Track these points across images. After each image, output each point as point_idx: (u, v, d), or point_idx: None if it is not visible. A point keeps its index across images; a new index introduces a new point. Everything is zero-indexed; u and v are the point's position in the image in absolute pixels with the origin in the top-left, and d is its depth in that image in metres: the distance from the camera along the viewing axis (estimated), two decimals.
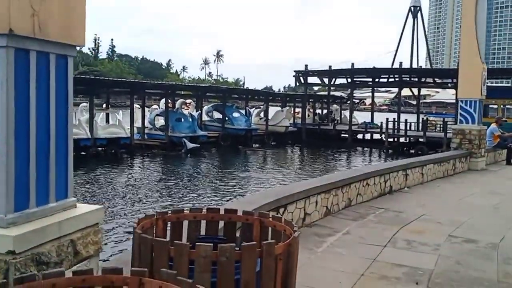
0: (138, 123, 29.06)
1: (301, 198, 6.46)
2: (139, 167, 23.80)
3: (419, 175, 10.42)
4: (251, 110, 35.08)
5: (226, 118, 33.10)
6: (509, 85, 38.28)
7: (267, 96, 39.89)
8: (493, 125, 15.13)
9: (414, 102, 56.20)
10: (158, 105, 35.92)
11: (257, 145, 34.11)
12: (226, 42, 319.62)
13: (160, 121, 30.06)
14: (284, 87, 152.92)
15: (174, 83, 44.79)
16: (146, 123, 29.58)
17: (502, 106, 30.46)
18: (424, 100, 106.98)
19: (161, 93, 32.36)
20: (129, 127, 25.99)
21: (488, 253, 5.73)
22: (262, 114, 37.81)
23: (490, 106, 30.36)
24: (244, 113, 35.32)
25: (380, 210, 7.86)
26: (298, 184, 8.10)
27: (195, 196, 16.82)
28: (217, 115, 35.35)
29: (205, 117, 35.04)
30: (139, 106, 30.29)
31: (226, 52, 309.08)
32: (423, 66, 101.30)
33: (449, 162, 11.95)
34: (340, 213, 7.44)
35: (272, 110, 38.49)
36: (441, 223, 7.09)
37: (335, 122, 40.25)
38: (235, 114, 34.08)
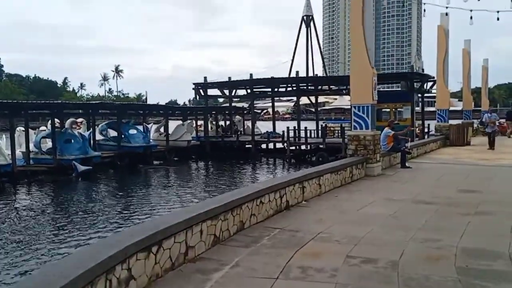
0: (23, 147, 26.45)
1: (182, 230, 5.53)
2: (23, 197, 21.39)
3: (316, 186, 9.92)
4: (149, 126, 33.48)
5: (122, 136, 31.25)
6: (399, 89, 40.26)
7: (166, 110, 38.44)
8: (386, 129, 15.28)
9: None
10: (46, 126, 33.15)
11: (158, 162, 32.65)
12: (126, 57, 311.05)
13: (48, 144, 27.55)
14: (189, 101, 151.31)
15: (60, 101, 41.71)
16: (32, 147, 26.95)
17: (394, 109, 31.78)
18: (324, 107, 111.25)
19: (49, 113, 29.81)
20: (10, 153, 23.42)
21: (389, 274, 5.18)
22: (162, 129, 36.39)
23: (383, 110, 31.61)
24: (142, 129, 33.65)
25: (275, 230, 7.15)
26: (178, 212, 7.11)
27: (85, 228, 15.23)
28: (112, 133, 33.36)
29: (99, 136, 32.87)
30: (23, 129, 27.63)
31: (127, 67, 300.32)
32: (319, 74, 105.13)
33: (346, 170, 11.66)
34: (232, 240, 6.60)
35: (173, 125, 37.25)
36: (339, 241, 6.51)
37: (239, 133, 39.88)
38: (132, 131, 32.33)
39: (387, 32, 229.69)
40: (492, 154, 18.01)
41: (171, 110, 40.88)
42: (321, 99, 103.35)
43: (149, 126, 33.40)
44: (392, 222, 7.74)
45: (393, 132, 15.12)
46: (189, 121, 38.81)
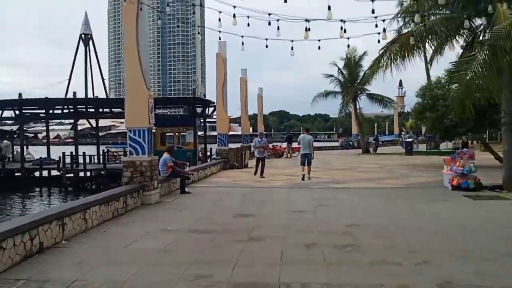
0: None
1: None
2: None
3: (81, 221, 8.61)
4: None
5: None
6: (183, 113, 40.83)
7: None
8: (165, 155, 14.70)
9: (100, 133, 54.69)
10: None
11: None
12: None
13: None
14: None
15: None
16: None
17: (177, 133, 31.81)
18: (110, 131, 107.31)
19: None
20: None
21: None
22: None
23: (167, 134, 31.39)
24: None
25: (18, 283, 5.72)
26: None
27: None
28: None
29: None
30: None
31: None
32: (100, 96, 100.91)
33: (118, 200, 10.56)
34: None
35: None
36: None
37: (5, 160, 35.00)
38: None
39: (173, 59, 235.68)
40: (267, 176, 18.95)
41: None
42: (107, 122, 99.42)
43: None
44: (164, 257, 6.98)
45: (171, 163, 14.52)
46: None
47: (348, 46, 16.16)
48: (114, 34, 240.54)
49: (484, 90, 13.81)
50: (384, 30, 13.80)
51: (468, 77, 12.99)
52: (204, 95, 38.86)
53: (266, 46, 15.40)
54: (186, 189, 14.56)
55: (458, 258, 6.72)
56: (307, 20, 13.39)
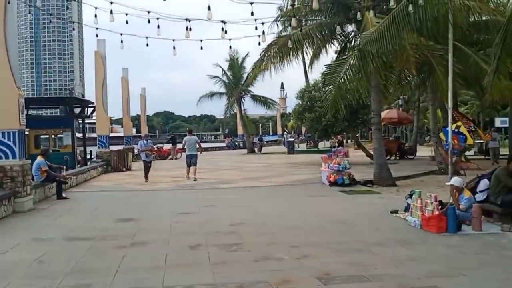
0: None
1: None
2: None
3: None
4: None
5: None
6: (59, 114, 38.33)
7: None
8: (40, 158, 13.68)
9: None
10: None
11: None
12: None
13: None
14: None
15: None
16: None
17: (53, 135, 29.76)
18: None
19: None
20: None
21: None
22: None
23: (42, 136, 29.22)
24: None
25: None
26: None
27: None
28: None
29: None
30: None
31: None
32: None
33: None
34: None
35: None
36: None
37: None
38: None
39: (48, 57, 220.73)
40: (151, 177, 18.48)
41: None
42: None
43: None
44: (36, 269, 6.47)
45: (46, 168, 13.52)
46: None
47: (230, 47, 16.40)
48: None
49: (355, 92, 14.88)
50: (264, 32, 14.22)
51: (340, 80, 13.88)
52: (83, 95, 36.71)
53: (147, 45, 15.08)
54: (64, 195, 13.68)
55: (335, 251, 7.13)
56: (187, 20, 13.31)
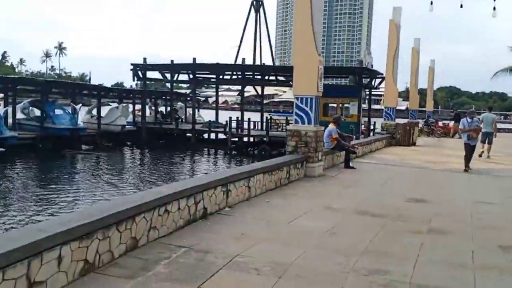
0: None
1: (23, 259, 3.73)
2: None
3: (244, 189, 8.28)
4: (77, 107, 30.53)
5: (46, 116, 28.30)
6: (348, 83, 39.51)
7: (99, 90, 35.22)
8: (331, 126, 13.83)
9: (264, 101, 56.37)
10: None
11: (87, 148, 30.05)
12: (71, 34, 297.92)
13: None
14: (137, 84, 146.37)
15: None
16: None
17: (340, 105, 30.72)
18: (273, 99, 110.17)
19: None
20: None
21: None
22: (94, 112, 33.65)
23: (330, 105, 30.50)
24: (71, 110, 30.64)
25: (180, 250, 5.44)
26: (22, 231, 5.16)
27: None
28: (37, 112, 30.24)
29: (21, 115, 29.65)
30: None
31: (72, 44, 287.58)
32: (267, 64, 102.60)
33: (282, 169, 10.08)
34: (115, 265, 4.83)
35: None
36: (258, 271, 4.89)
37: (179, 121, 37.70)
38: (58, 111, 29.39)
39: (338, 29, 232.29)
40: (441, 156, 17.05)
41: (103, 91, 36.96)
42: (271, 90, 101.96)
43: (76, 107, 30.32)
44: (330, 241, 6.21)
45: (337, 135, 13.59)
46: (124, 104, 36.18)
47: None
48: (283, 3, 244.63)
49: None
50: None
51: None
52: (372, 66, 36.82)
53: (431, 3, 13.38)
54: (351, 164, 13.62)
55: None
56: None
